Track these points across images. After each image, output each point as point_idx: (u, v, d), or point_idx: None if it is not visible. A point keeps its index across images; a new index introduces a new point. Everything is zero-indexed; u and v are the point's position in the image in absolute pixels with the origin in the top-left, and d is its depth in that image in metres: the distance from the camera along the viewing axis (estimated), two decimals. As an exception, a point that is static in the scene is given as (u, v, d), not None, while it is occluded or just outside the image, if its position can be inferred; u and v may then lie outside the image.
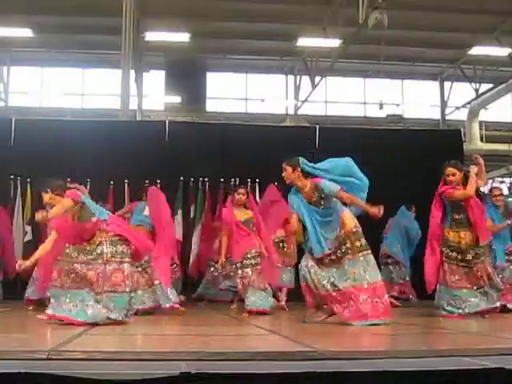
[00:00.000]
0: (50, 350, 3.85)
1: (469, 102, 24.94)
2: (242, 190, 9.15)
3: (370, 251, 6.83)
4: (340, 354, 3.97)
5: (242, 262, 8.61)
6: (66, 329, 6.11)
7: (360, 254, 6.74)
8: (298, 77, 25.62)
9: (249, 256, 8.63)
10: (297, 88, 25.72)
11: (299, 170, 7.04)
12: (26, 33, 19.20)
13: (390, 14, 15.32)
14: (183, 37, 19.69)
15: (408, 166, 12.51)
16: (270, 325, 6.33)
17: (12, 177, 11.96)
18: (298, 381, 3.22)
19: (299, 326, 6.64)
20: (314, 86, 23.09)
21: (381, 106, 25.24)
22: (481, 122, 24.03)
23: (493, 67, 23.77)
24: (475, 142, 23.33)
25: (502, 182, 25.45)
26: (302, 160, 7.07)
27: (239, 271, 8.62)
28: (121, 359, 3.72)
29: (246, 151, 12.44)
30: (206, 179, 12.50)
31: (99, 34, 20.61)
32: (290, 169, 7.09)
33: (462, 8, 18.96)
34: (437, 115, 26.71)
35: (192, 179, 12.38)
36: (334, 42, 19.68)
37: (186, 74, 22.70)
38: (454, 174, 7.82)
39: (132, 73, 17.23)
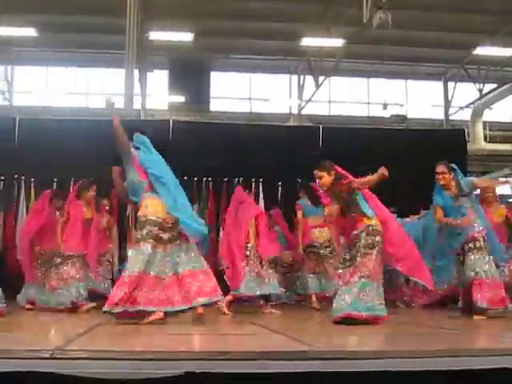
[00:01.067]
0: (54, 349, 3.85)
1: (472, 102, 24.91)
2: (95, 187, 9.22)
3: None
4: (342, 353, 3.98)
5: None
6: (69, 328, 6.12)
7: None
8: (302, 76, 25.59)
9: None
10: (300, 88, 25.70)
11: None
12: (29, 32, 19.26)
13: (393, 14, 15.31)
14: (187, 36, 19.72)
15: (411, 166, 12.48)
16: (273, 325, 6.33)
17: (16, 176, 11.99)
18: (300, 380, 3.23)
19: (301, 325, 6.64)
20: (317, 85, 23.10)
21: (384, 106, 25.26)
22: (484, 122, 24.03)
23: (497, 67, 23.79)
24: (479, 142, 23.32)
25: (505, 182, 25.33)
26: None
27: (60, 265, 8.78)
28: (125, 358, 3.73)
29: (249, 151, 12.45)
30: (210, 179, 12.52)
31: (103, 34, 20.62)
32: None
33: (466, 8, 18.95)
34: (440, 115, 26.66)
35: (195, 179, 12.38)
36: (338, 42, 19.72)
37: (190, 74, 22.70)
38: (320, 177, 7.02)
39: (136, 72, 17.24)
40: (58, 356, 3.70)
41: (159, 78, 23.81)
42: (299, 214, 10.02)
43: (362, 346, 4.98)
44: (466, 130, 15.14)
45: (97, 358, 3.73)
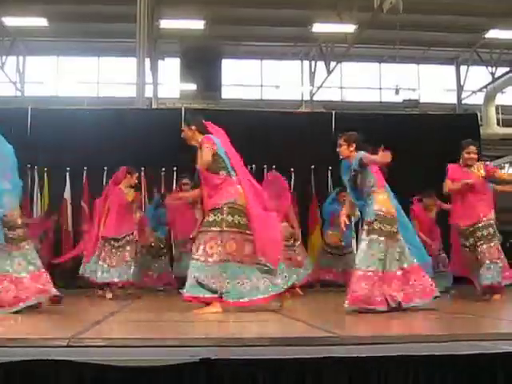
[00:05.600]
0: (71, 338, 3.86)
1: (485, 86, 24.75)
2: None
3: None
4: (361, 339, 3.96)
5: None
6: (86, 316, 6.14)
7: None
8: (313, 62, 25.47)
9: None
10: (312, 74, 25.60)
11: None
12: (41, 22, 19.29)
13: (404, -1, 15.23)
14: (198, 24, 19.69)
15: (424, 151, 12.43)
16: (291, 311, 6.31)
17: (29, 166, 11.99)
18: (319, 366, 3.21)
19: (320, 311, 6.63)
20: (329, 71, 23.02)
21: (397, 91, 25.11)
22: (497, 106, 23.87)
23: (509, 51, 23.60)
24: (492, 126, 23.20)
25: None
26: None
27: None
28: (141, 346, 3.74)
29: (261, 138, 12.43)
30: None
31: (114, 23, 20.59)
32: None
33: (477, -9, 18.82)
34: (453, 99, 26.52)
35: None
36: (349, 28, 19.61)
37: (201, 62, 22.62)
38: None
39: (147, 61, 17.22)
40: (74, 344, 3.71)
41: (170, 66, 23.77)
42: None
43: (381, 331, 4.96)
44: (478, 114, 15.06)
45: (113, 345, 3.75)
